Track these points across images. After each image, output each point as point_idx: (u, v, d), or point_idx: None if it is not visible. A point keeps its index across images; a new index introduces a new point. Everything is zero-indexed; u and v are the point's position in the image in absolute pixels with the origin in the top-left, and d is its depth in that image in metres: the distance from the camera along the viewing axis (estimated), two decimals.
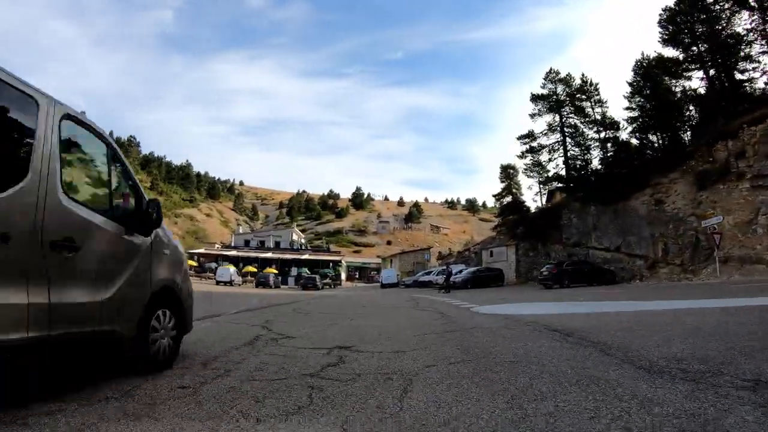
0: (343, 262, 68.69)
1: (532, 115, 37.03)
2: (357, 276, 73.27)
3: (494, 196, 50.79)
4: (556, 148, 35.90)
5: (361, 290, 39.51)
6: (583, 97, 32.29)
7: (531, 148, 36.58)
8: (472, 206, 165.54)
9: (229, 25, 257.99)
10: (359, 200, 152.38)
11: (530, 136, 37.11)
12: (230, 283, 38.46)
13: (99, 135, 3.15)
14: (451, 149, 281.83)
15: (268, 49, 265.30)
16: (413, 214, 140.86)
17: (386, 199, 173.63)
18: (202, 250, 58.02)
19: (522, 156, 36.87)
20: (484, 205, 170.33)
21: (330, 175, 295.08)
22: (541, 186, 36.90)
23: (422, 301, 15.46)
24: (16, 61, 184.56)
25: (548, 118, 36.12)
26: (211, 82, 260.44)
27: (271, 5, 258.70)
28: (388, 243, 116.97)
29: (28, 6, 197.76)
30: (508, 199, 49.92)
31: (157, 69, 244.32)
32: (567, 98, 35.73)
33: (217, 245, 62.96)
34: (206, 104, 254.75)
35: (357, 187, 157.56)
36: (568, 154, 34.74)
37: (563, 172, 34.96)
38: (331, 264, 57.75)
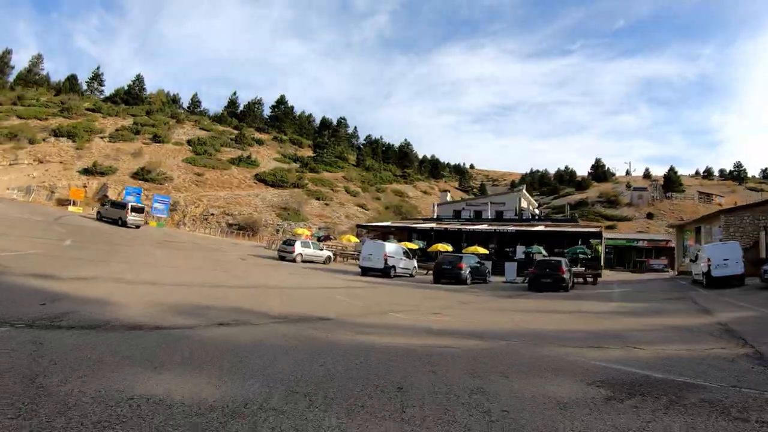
0: (603, 237, 41.87)
1: None
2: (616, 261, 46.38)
3: None
4: None
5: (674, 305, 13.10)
6: None
7: None
8: (732, 175, 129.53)
9: (443, 21, 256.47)
10: (600, 172, 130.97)
11: None
12: (388, 271, 21.40)
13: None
14: (689, 121, 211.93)
15: (487, 37, 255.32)
16: (672, 179, 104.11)
17: (628, 173, 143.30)
18: (387, 223, 42.79)
19: None
20: (745, 174, 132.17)
21: (563, 157, 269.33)
22: None
23: None
24: (256, 80, 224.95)
25: None
26: (436, 75, 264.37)
27: None
28: (649, 216, 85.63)
29: (257, 32, 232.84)
30: None
31: (383, 70, 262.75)
32: None
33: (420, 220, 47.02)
34: (434, 97, 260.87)
35: (596, 159, 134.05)
36: None
37: None
38: (580, 240, 33.32)
